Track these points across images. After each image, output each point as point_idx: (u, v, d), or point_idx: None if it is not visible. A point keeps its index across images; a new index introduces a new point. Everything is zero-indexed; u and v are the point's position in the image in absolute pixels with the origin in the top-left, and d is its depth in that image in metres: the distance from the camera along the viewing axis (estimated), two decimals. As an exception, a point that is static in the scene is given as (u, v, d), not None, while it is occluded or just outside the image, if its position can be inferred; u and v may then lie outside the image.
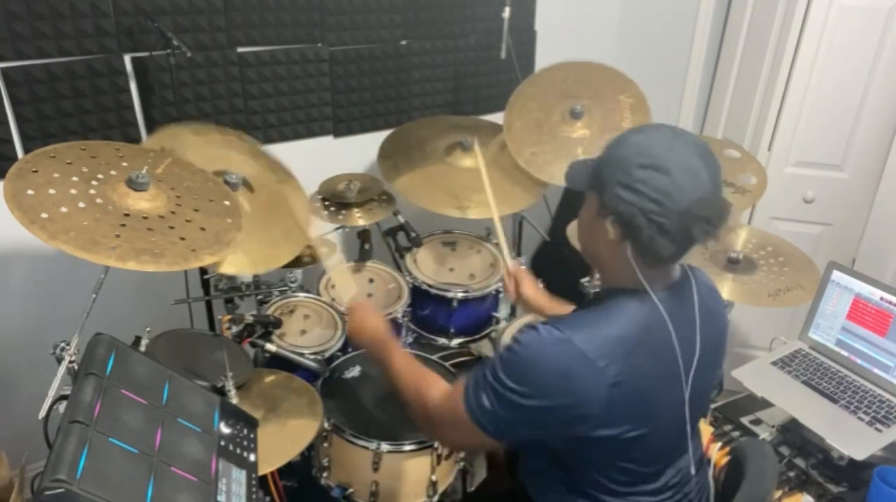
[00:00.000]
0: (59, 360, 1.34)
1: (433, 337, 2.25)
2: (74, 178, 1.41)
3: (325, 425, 1.66)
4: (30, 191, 1.32)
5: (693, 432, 1.24)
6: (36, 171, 1.37)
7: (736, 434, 1.94)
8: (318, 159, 2.39)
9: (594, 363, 1.05)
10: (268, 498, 1.64)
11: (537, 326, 1.11)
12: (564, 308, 1.61)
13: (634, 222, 1.04)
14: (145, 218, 1.42)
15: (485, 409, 1.12)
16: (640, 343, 1.09)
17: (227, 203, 1.61)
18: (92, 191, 1.40)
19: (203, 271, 2.07)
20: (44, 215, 1.29)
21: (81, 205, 1.36)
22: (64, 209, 1.32)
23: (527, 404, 1.08)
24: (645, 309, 1.12)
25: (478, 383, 1.14)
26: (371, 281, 2.26)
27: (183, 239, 1.41)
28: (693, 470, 1.26)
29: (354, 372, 1.86)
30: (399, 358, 1.36)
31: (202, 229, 1.47)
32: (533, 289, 1.66)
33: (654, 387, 1.12)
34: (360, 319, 1.45)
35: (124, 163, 1.53)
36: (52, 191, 1.35)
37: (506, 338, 2.07)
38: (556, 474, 1.24)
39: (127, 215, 1.40)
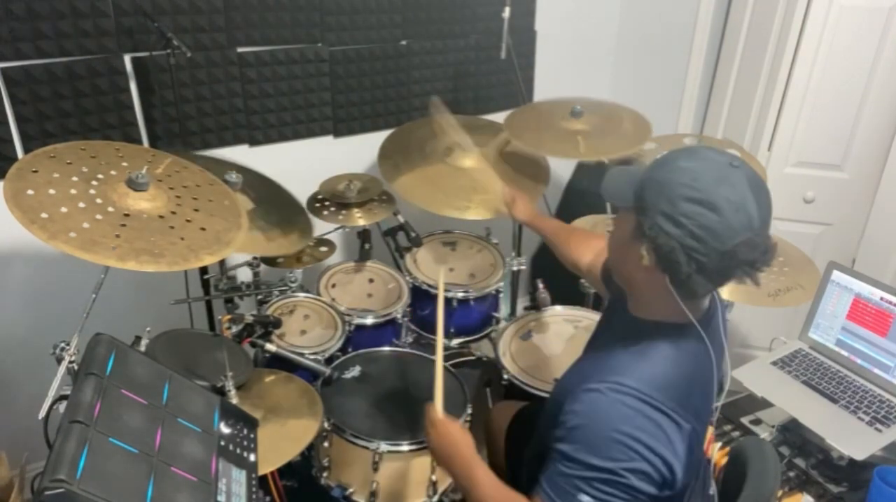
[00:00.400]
0: (59, 360, 1.34)
1: (433, 337, 2.25)
2: (74, 178, 1.41)
3: (325, 425, 1.66)
4: (30, 191, 1.32)
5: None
6: (36, 171, 1.37)
7: (736, 434, 1.94)
8: (318, 159, 2.39)
9: (669, 413, 0.99)
10: (268, 498, 1.64)
11: (591, 387, 1.03)
12: (551, 223, 1.78)
13: (672, 256, 0.98)
14: (145, 218, 1.42)
15: None
16: (695, 383, 1.05)
17: (226, 203, 1.61)
18: (92, 192, 1.40)
19: (203, 271, 2.07)
20: (44, 215, 1.29)
21: (81, 205, 1.36)
22: (64, 209, 1.32)
23: (622, 479, 0.97)
24: (692, 345, 1.06)
25: (558, 481, 1.02)
26: (371, 281, 2.26)
27: (183, 239, 1.41)
28: (711, 491, 1.24)
29: (354, 372, 1.86)
30: (484, 478, 1.20)
31: (202, 229, 1.47)
32: (526, 207, 1.81)
33: (705, 424, 1.08)
34: (445, 432, 1.30)
35: (124, 163, 1.53)
36: (52, 191, 1.35)
37: (506, 338, 2.07)
38: None
39: (127, 215, 1.40)
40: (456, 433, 1.29)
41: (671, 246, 0.97)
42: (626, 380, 1.01)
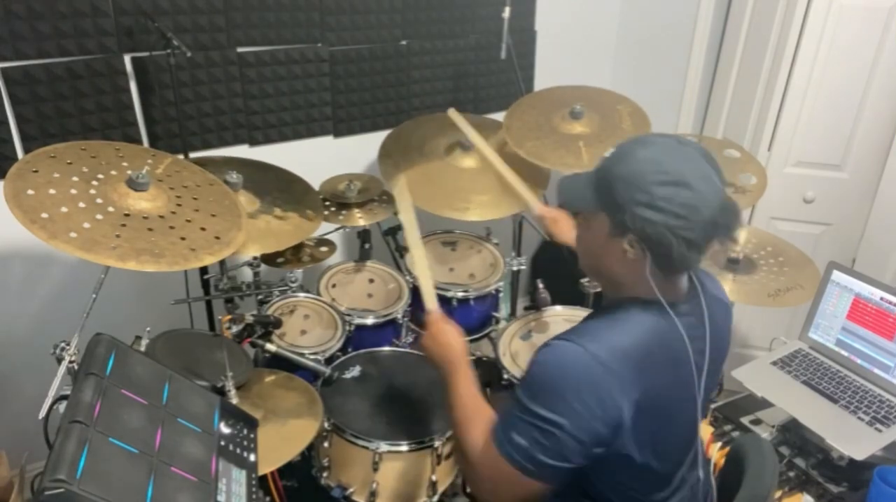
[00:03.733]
0: (59, 360, 1.34)
1: (433, 337, 2.25)
2: (75, 178, 1.41)
3: (325, 425, 1.66)
4: (30, 191, 1.32)
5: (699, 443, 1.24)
6: (36, 171, 1.37)
7: (736, 434, 1.94)
8: (318, 159, 2.40)
9: (615, 371, 1.02)
10: (268, 498, 1.64)
11: (552, 343, 1.08)
12: None
13: (664, 240, 1.01)
14: (145, 218, 1.42)
15: (521, 448, 1.05)
16: (656, 357, 1.07)
17: (227, 203, 1.61)
18: (92, 192, 1.40)
19: (203, 271, 2.07)
20: (44, 215, 1.29)
21: (82, 205, 1.36)
22: (64, 209, 1.32)
23: (560, 430, 1.02)
24: (660, 322, 1.09)
25: (507, 420, 1.08)
26: (371, 281, 2.26)
27: (183, 239, 1.41)
28: (701, 475, 1.25)
29: (354, 372, 1.86)
30: (462, 386, 1.26)
31: (202, 229, 1.47)
32: (570, 228, 1.72)
33: (670, 403, 1.10)
34: (437, 332, 1.37)
35: (124, 163, 1.53)
36: (52, 191, 1.35)
37: (506, 338, 2.07)
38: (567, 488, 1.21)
39: (127, 215, 1.40)
40: (450, 334, 1.35)
41: (659, 231, 1.01)
42: (583, 341, 1.05)
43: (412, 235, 1.61)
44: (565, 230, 1.77)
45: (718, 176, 1.04)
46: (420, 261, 1.52)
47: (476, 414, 1.20)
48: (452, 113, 2.14)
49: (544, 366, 1.07)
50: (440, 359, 1.33)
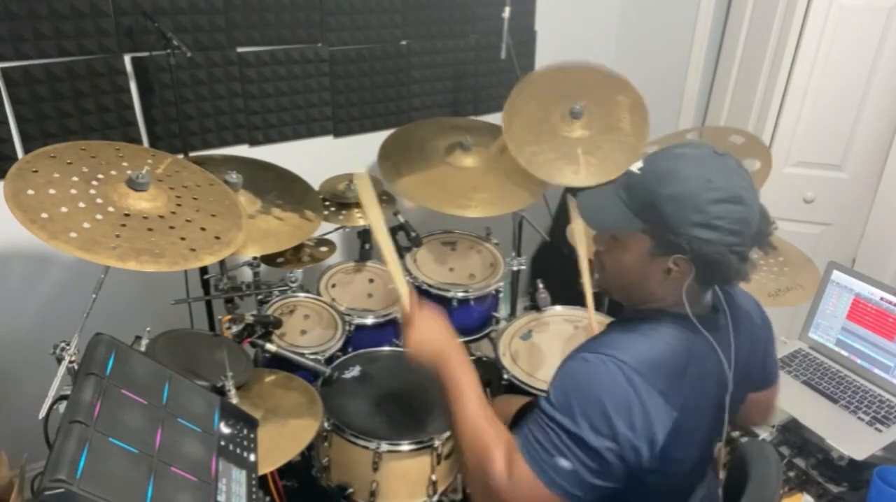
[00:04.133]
0: (59, 360, 1.34)
1: (433, 337, 2.25)
2: (75, 178, 1.41)
3: (325, 425, 1.66)
4: (30, 191, 1.32)
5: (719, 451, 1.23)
6: (36, 171, 1.37)
7: (736, 434, 1.94)
8: (318, 159, 2.39)
9: (659, 390, 1.00)
10: (268, 498, 1.64)
11: (586, 358, 1.03)
12: None
13: (722, 259, 0.99)
14: (145, 218, 1.42)
15: (567, 473, 0.97)
16: (691, 370, 1.05)
17: (227, 203, 1.61)
18: (92, 192, 1.40)
19: (203, 271, 2.07)
20: (44, 215, 1.29)
21: (82, 205, 1.36)
22: (64, 209, 1.32)
23: (609, 452, 0.97)
24: (692, 335, 1.07)
25: (544, 443, 1.00)
26: (371, 281, 2.26)
27: (183, 239, 1.41)
28: (720, 489, 1.24)
29: (354, 372, 1.86)
30: (470, 403, 1.10)
31: (202, 229, 1.47)
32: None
33: (699, 419, 1.08)
34: (427, 329, 1.17)
35: (124, 163, 1.53)
36: (52, 191, 1.35)
37: (506, 338, 2.07)
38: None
39: (127, 215, 1.40)
40: (435, 324, 1.17)
41: (718, 250, 0.99)
42: (618, 354, 1.01)
43: (379, 229, 1.33)
44: None
45: (752, 182, 1.03)
46: (388, 249, 1.30)
47: (497, 436, 1.06)
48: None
49: (580, 382, 1.01)
50: (434, 357, 1.14)
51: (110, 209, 1.39)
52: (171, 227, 1.43)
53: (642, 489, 1.06)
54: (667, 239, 1.01)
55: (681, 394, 1.02)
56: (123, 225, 1.37)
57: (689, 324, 1.06)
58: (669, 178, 1.01)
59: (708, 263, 1.00)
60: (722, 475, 1.24)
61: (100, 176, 1.45)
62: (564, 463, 0.98)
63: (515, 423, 1.65)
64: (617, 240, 1.10)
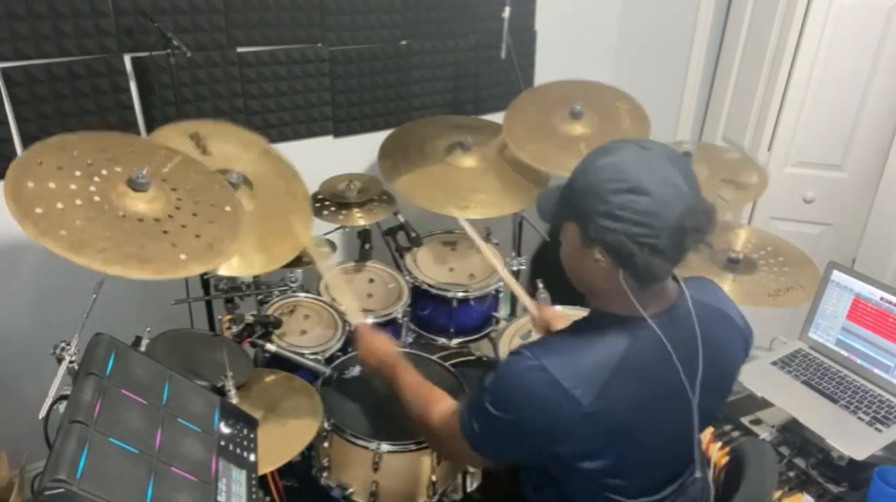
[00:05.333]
0: (59, 360, 1.34)
1: (433, 337, 2.25)
2: (77, 173, 1.38)
3: (325, 425, 1.66)
4: (30, 184, 1.30)
5: (697, 444, 1.22)
6: (41, 163, 1.36)
7: (736, 434, 1.94)
8: (318, 159, 2.39)
9: (567, 391, 1.04)
10: (268, 498, 1.64)
11: (518, 350, 1.12)
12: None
13: (625, 249, 1.00)
14: (140, 220, 1.40)
15: (476, 434, 1.15)
16: (620, 370, 1.06)
17: (228, 209, 1.59)
18: (91, 188, 1.38)
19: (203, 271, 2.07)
20: (38, 210, 1.27)
21: (78, 201, 1.34)
22: (60, 205, 1.30)
23: (507, 428, 1.10)
24: (633, 334, 1.08)
25: (471, 408, 1.17)
26: (371, 281, 2.26)
27: (174, 245, 1.39)
28: (698, 473, 1.25)
29: (354, 372, 1.86)
30: (406, 377, 1.42)
31: (196, 236, 1.44)
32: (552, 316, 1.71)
33: (642, 414, 1.09)
34: (369, 343, 1.55)
35: (132, 159, 1.50)
36: (52, 184, 1.33)
37: (506, 338, 2.07)
38: (552, 490, 1.24)
39: (122, 216, 1.38)
40: (377, 340, 1.54)
41: (620, 240, 1.00)
42: (539, 352, 1.08)
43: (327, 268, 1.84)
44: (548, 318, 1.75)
45: (686, 177, 1.01)
46: (336, 283, 1.71)
47: (430, 393, 1.36)
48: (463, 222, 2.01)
49: (505, 373, 1.11)
50: (379, 363, 1.51)
51: (106, 208, 1.37)
52: (165, 232, 1.40)
53: (597, 485, 1.15)
54: (586, 229, 1.05)
55: (603, 394, 1.04)
56: (116, 226, 1.35)
57: (637, 323, 1.07)
58: (587, 169, 1.06)
59: (619, 255, 1.02)
60: (699, 473, 1.24)
61: (103, 172, 1.43)
62: (475, 424, 1.15)
63: None
64: (562, 231, 1.15)
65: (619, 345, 1.08)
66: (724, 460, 1.75)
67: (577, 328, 1.16)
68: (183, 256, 1.38)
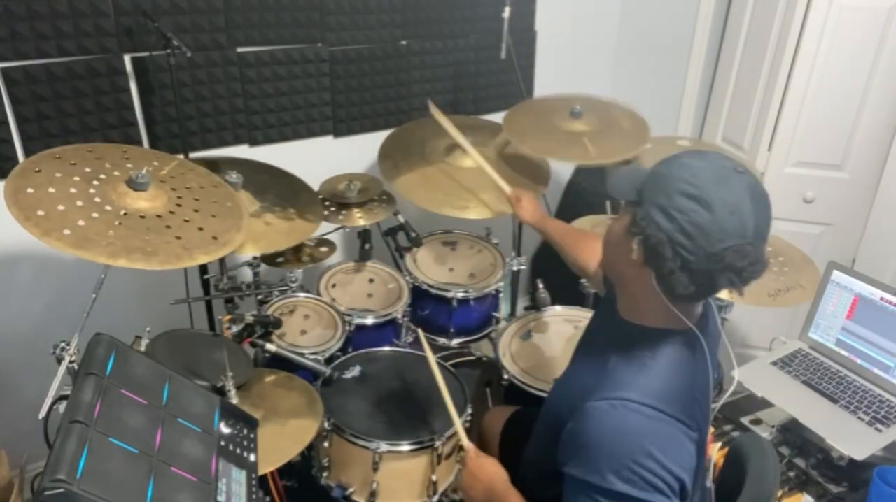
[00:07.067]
0: (59, 360, 1.34)
1: (433, 337, 2.25)
2: (76, 178, 1.40)
3: (325, 425, 1.66)
4: (30, 190, 1.32)
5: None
6: (39, 171, 1.37)
7: (736, 434, 1.94)
8: (318, 159, 2.39)
9: (675, 418, 0.98)
10: (268, 498, 1.64)
11: (597, 405, 1.00)
12: (559, 225, 1.76)
13: (659, 249, 0.97)
14: (142, 217, 1.41)
15: None
16: (696, 390, 1.04)
17: (229, 205, 1.60)
18: (91, 191, 1.40)
19: (203, 271, 2.07)
20: (40, 212, 1.28)
21: (79, 203, 1.35)
22: (61, 207, 1.32)
23: (640, 493, 0.96)
24: (687, 351, 1.05)
25: None
26: (371, 281, 2.26)
27: (179, 237, 1.40)
28: (709, 484, 1.23)
29: (354, 372, 1.86)
30: None
31: (200, 229, 1.46)
32: (532, 207, 1.81)
33: (706, 429, 1.08)
34: (478, 467, 1.31)
35: (129, 165, 1.52)
36: (51, 189, 1.34)
37: (506, 338, 2.07)
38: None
39: (124, 214, 1.39)
40: (490, 466, 1.29)
41: (659, 238, 0.97)
42: (630, 395, 0.99)
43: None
44: (528, 209, 1.87)
45: (757, 219, 0.95)
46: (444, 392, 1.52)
47: None
48: (432, 106, 2.18)
49: (599, 435, 0.99)
50: (486, 494, 1.27)
51: (108, 208, 1.38)
52: (168, 227, 1.42)
53: None
54: (637, 214, 1.01)
55: (695, 415, 1.01)
56: (119, 223, 1.36)
57: (678, 342, 1.04)
58: (671, 161, 1.02)
59: (652, 252, 0.98)
60: (709, 484, 1.23)
61: (102, 176, 1.44)
62: None
63: (505, 433, 1.65)
64: (619, 212, 1.11)
65: (685, 357, 1.05)
66: (723, 459, 1.75)
67: (633, 353, 1.06)
68: (188, 247, 1.38)
